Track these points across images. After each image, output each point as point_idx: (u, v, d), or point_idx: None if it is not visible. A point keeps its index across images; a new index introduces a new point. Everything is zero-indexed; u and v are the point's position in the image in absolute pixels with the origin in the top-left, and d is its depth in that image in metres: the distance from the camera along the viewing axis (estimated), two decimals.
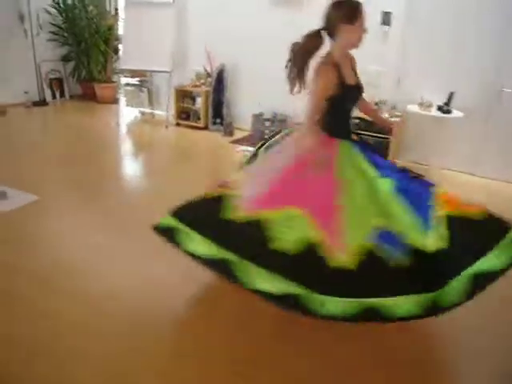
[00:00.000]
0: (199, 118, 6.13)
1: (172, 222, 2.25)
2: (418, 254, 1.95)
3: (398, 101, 5.02)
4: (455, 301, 1.90)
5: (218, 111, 6.00)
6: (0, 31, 6.50)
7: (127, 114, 6.77)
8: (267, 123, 5.62)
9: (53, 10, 7.10)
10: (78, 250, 2.93)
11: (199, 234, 2.14)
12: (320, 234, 1.96)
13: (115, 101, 7.63)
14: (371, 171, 2.14)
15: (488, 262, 1.86)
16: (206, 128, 6.10)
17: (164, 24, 5.98)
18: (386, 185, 2.09)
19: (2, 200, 3.52)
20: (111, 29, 7.34)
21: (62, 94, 7.57)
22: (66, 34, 7.26)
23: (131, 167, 4.95)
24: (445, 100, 4.68)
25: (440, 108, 4.61)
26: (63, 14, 7.17)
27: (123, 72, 6.58)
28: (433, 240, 1.96)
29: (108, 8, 7.41)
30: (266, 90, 5.52)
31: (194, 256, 2.15)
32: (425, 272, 1.95)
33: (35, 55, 7.01)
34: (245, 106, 6.00)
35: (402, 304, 1.90)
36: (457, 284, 1.88)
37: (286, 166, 2.19)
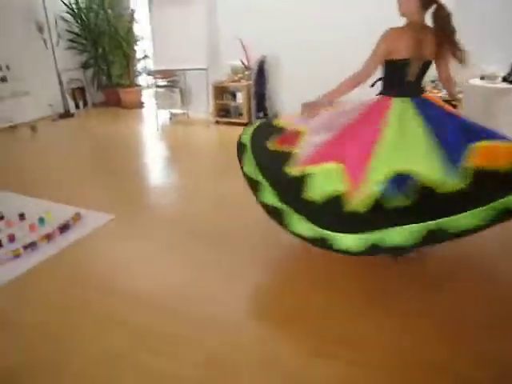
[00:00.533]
0: (241, 114, 5.94)
1: (251, 171, 2.55)
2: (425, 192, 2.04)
3: (456, 75, 4.87)
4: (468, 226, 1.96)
5: (261, 105, 5.81)
6: (20, 43, 6.25)
7: (158, 117, 6.54)
8: None
9: (69, 17, 6.84)
10: (176, 269, 2.75)
11: (270, 186, 2.42)
12: (347, 185, 2.17)
13: (140, 105, 7.39)
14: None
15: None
16: (249, 123, 5.90)
17: (195, 19, 5.74)
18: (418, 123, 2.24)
19: (79, 221, 3.32)
20: (129, 31, 7.09)
21: (85, 103, 7.32)
22: (84, 41, 7.01)
23: (185, 174, 4.62)
24: (508, 71, 4.55)
25: (506, 79, 4.47)
26: (79, 21, 6.90)
27: (154, 74, 6.33)
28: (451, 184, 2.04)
29: (124, 10, 7.14)
30: (310, 78, 5.34)
31: (264, 205, 2.40)
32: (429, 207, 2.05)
33: (57, 65, 6.75)
34: (288, 97, 5.80)
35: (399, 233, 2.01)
36: (477, 212, 1.96)
37: (344, 124, 2.40)
